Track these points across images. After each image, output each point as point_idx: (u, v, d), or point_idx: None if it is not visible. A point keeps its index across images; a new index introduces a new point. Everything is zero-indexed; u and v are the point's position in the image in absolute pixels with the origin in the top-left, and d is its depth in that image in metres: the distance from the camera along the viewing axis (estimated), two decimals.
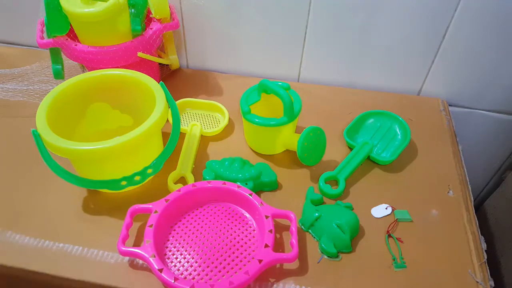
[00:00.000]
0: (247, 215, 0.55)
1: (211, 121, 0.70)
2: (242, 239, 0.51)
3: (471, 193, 0.59)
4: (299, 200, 0.57)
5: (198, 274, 0.48)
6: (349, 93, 0.78)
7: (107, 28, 0.64)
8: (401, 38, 0.71)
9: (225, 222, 0.53)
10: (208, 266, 0.48)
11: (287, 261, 0.48)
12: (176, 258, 0.49)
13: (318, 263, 0.50)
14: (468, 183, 0.61)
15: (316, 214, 0.52)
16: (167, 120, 0.57)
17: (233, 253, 0.50)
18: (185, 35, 0.80)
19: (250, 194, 0.53)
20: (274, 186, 0.59)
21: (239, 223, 0.54)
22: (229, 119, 0.70)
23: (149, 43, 0.67)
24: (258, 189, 0.58)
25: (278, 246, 0.52)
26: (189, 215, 0.54)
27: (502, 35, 0.67)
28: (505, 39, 0.67)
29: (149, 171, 0.55)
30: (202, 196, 0.55)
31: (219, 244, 0.51)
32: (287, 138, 0.61)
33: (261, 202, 0.53)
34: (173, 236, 0.52)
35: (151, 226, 0.49)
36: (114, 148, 0.49)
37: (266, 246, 0.48)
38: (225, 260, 0.49)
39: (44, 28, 0.66)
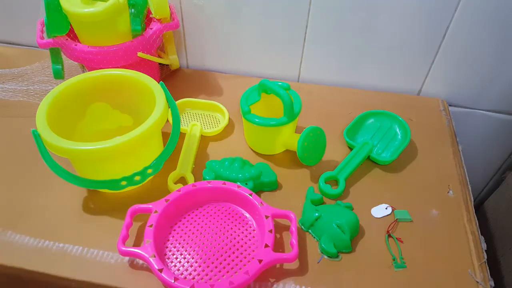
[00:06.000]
0: (247, 215, 0.55)
1: (211, 121, 0.70)
2: (242, 239, 0.51)
3: (471, 193, 0.59)
4: (299, 200, 0.57)
5: (198, 274, 0.48)
6: (349, 93, 0.78)
7: (107, 28, 0.64)
8: (401, 38, 0.71)
9: (225, 222, 0.53)
10: (208, 266, 0.48)
11: (287, 261, 0.48)
12: (176, 258, 0.49)
13: (318, 263, 0.50)
14: (468, 183, 0.61)
15: (316, 214, 0.52)
16: (167, 120, 0.57)
17: (233, 253, 0.50)
18: (185, 35, 0.80)
19: (250, 194, 0.53)
20: (274, 186, 0.59)
21: (239, 223, 0.54)
22: (229, 119, 0.70)
23: (149, 43, 0.67)
24: (258, 189, 0.58)
25: (278, 246, 0.52)
26: (189, 215, 0.54)
27: (502, 35, 0.67)
28: (505, 39, 0.67)
29: (149, 171, 0.55)
30: (202, 196, 0.55)
31: (219, 244, 0.51)
32: (287, 138, 0.61)
33: (261, 202, 0.53)
34: (173, 236, 0.52)
35: (151, 226, 0.49)
36: (114, 148, 0.49)
37: (266, 246, 0.48)
38: (225, 260, 0.49)
39: (44, 28, 0.66)
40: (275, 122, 0.59)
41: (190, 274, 0.48)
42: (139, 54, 0.66)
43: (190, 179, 0.59)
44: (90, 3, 0.61)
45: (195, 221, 0.54)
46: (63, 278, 0.48)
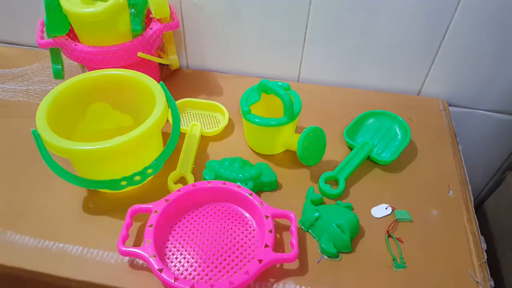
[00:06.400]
0: (247, 215, 0.55)
1: (211, 121, 0.70)
2: (242, 239, 0.51)
3: (471, 193, 0.59)
4: (299, 200, 0.57)
5: (198, 274, 0.48)
6: (349, 93, 0.78)
7: (107, 28, 0.64)
8: (401, 38, 0.71)
9: (225, 222, 0.53)
10: (208, 266, 0.48)
11: (287, 261, 0.48)
12: (176, 258, 0.49)
13: (318, 263, 0.50)
14: (468, 183, 0.61)
15: (316, 214, 0.52)
16: (167, 120, 0.57)
17: (233, 253, 0.50)
18: (185, 35, 0.80)
19: (250, 194, 0.53)
20: (274, 186, 0.59)
21: (239, 223, 0.54)
22: (229, 119, 0.70)
23: (149, 43, 0.67)
24: (258, 189, 0.58)
25: (278, 246, 0.52)
26: (189, 215, 0.54)
27: (502, 35, 0.67)
28: (505, 39, 0.67)
29: (149, 171, 0.55)
30: (202, 196, 0.55)
31: (219, 244, 0.51)
32: (287, 138, 0.61)
33: (261, 202, 0.53)
34: (173, 236, 0.52)
35: (151, 226, 0.49)
36: (114, 148, 0.49)
37: (266, 246, 0.48)
38: (225, 260, 0.49)
39: (44, 28, 0.66)
40: (275, 122, 0.59)
41: (190, 274, 0.48)
42: (139, 54, 0.66)
43: (190, 179, 0.59)
44: (90, 3, 0.61)
45: (195, 221, 0.54)
46: (63, 278, 0.48)
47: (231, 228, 0.53)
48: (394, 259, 0.51)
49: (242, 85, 0.71)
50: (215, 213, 0.55)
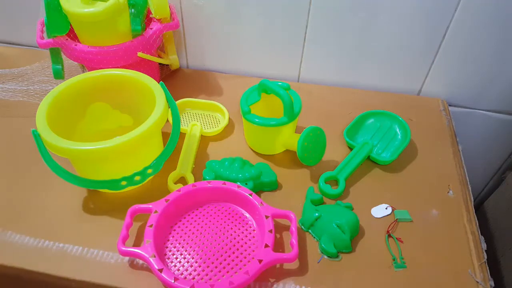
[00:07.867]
0: (247, 215, 0.55)
1: (211, 121, 0.70)
2: (242, 239, 0.51)
3: (471, 193, 0.59)
4: (299, 200, 0.57)
5: (198, 274, 0.48)
6: (349, 93, 0.78)
7: (107, 28, 0.64)
8: (401, 38, 0.71)
9: (225, 222, 0.53)
10: (208, 266, 0.48)
11: (287, 261, 0.48)
12: (176, 258, 0.49)
13: (318, 263, 0.50)
14: (468, 183, 0.61)
15: (316, 214, 0.52)
16: (167, 120, 0.57)
17: (233, 253, 0.50)
18: (185, 35, 0.80)
19: (250, 194, 0.53)
20: (274, 186, 0.59)
21: (239, 223, 0.54)
22: (229, 119, 0.70)
23: (149, 43, 0.67)
24: (258, 189, 0.58)
25: (278, 246, 0.52)
26: (189, 215, 0.54)
27: (502, 35, 0.67)
28: (505, 39, 0.67)
29: (149, 171, 0.55)
30: (202, 196, 0.55)
31: (219, 244, 0.51)
32: (287, 138, 0.61)
33: (261, 202, 0.53)
34: (173, 236, 0.52)
35: (151, 226, 0.49)
36: (114, 148, 0.49)
37: (266, 246, 0.48)
38: (225, 260, 0.49)
39: (44, 28, 0.66)
40: (275, 122, 0.59)
41: (190, 274, 0.48)
42: (139, 54, 0.66)
43: (190, 179, 0.59)
44: (90, 3, 0.61)
45: (195, 221, 0.54)
46: (63, 278, 0.48)
47: (231, 228, 0.53)
48: (394, 259, 0.51)
49: (242, 85, 0.71)
50: (215, 213, 0.55)
